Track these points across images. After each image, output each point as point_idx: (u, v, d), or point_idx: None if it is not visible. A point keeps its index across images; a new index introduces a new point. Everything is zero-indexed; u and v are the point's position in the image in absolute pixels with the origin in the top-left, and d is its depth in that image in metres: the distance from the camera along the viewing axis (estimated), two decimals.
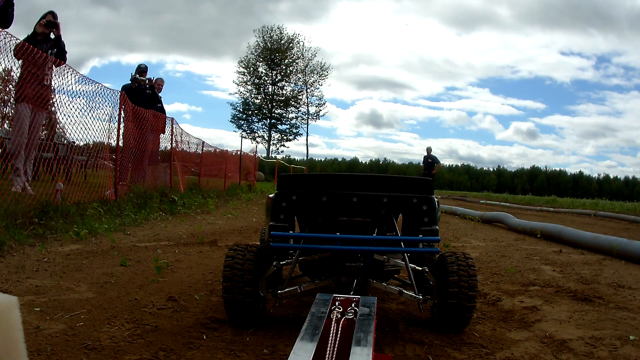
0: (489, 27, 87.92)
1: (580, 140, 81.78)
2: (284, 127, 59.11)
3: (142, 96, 12.09)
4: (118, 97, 9.95)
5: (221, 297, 3.24)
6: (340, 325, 2.10)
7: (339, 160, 73.50)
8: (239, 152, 22.85)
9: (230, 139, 78.07)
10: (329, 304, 2.34)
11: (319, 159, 70.34)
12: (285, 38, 58.40)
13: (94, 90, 9.18)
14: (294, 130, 58.77)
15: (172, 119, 13.48)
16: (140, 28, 75.38)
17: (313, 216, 3.48)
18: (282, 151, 58.26)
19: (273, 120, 58.26)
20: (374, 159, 75.90)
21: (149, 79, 12.46)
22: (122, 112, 10.15)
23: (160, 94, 13.67)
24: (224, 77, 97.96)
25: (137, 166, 12.06)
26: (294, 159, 58.02)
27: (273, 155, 52.18)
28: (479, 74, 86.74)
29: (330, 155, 78.36)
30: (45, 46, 8.29)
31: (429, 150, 23.03)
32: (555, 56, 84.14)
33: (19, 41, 7.04)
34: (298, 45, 58.55)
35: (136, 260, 5.03)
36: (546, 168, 75.58)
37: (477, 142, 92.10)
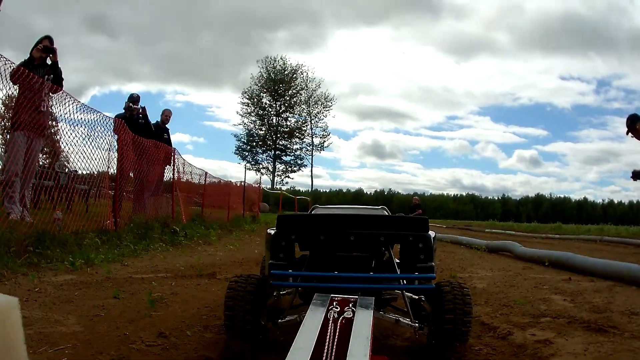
0: (488, 54, 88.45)
1: (583, 166, 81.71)
2: (288, 158, 59.22)
3: (135, 125, 11.96)
4: (113, 125, 9.85)
5: (215, 333, 3.30)
6: (338, 325, 2.14)
7: (344, 191, 73.18)
8: (242, 183, 22.69)
9: (234, 170, 78.73)
10: (326, 304, 2.38)
11: (324, 190, 70.11)
12: (289, 69, 58.70)
13: (93, 118, 9.15)
14: (299, 162, 58.94)
15: (174, 149, 13.33)
16: (139, 57, 77.25)
17: (311, 253, 3.55)
18: (287, 182, 58.33)
19: (277, 152, 58.24)
20: (378, 190, 75.83)
21: (142, 108, 12.36)
22: (122, 140, 10.04)
23: (167, 126, 13.71)
24: (224, 108, 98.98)
25: (138, 196, 11.92)
26: (299, 190, 57.69)
27: (277, 187, 52.07)
28: (479, 102, 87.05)
29: (334, 186, 78.06)
30: (41, 71, 8.12)
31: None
32: (555, 81, 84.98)
33: (14, 66, 6.91)
34: (302, 75, 58.84)
35: (130, 293, 4.83)
36: (551, 195, 75.85)
37: (480, 171, 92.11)
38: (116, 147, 10.16)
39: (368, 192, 75.19)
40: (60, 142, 9.78)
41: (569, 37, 75.58)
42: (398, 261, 3.52)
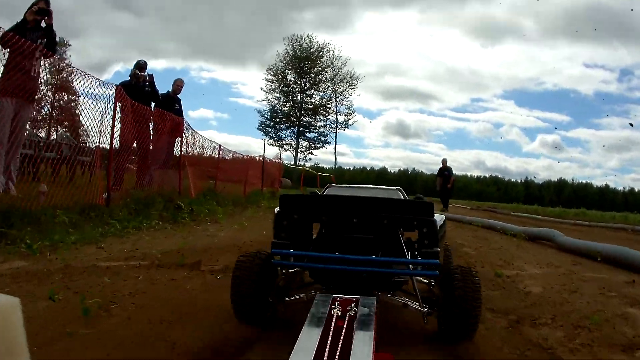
0: (513, 39, 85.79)
1: (604, 153, 79.03)
2: (312, 135, 57.58)
3: (141, 93, 10.87)
4: (113, 91, 8.65)
5: None
6: (340, 325, 2.11)
7: (368, 169, 71.56)
8: (260, 158, 21.43)
9: (257, 147, 77.67)
10: (328, 304, 2.35)
11: (348, 168, 68.23)
12: (315, 46, 56.80)
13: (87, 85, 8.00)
14: (322, 139, 57.34)
15: (184, 121, 12.11)
16: (165, 34, 73.87)
17: (318, 234, 3.53)
18: (310, 159, 56.90)
19: (301, 129, 56.83)
20: (402, 169, 73.51)
21: (149, 75, 11.29)
22: (117, 108, 8.82)
23: (179, 96, 12.58)
24: (250, 85, 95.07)
25: (140, 168, 10.77)
26: (323, 167, 56.25)
27: (301, 163, 50.85)
28: (504, 85, 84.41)
29: (358, 164, 75.61)
30: (35, 35, 7.33)
31: (444, 162, 21.83)
32: (579, 68, 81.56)
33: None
34: (328, 54, 56.91)
35: (74, 291, 3.60)
36: (573, 180, 72.88)
37: (503, 153, 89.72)
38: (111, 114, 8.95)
39: (392, 171, 72.28)
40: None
41: (594, 26, 72.45)
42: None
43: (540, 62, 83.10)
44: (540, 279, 5.22)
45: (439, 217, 3.44)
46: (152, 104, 11.29)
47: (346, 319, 2.17)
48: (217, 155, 15.24)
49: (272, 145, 55.44)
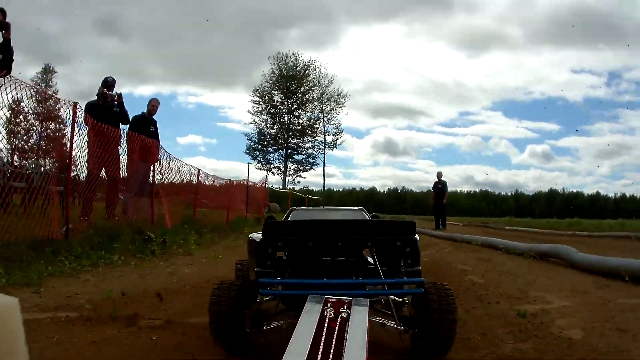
0: (499, 48, 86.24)
1: (594, 160, 79.12)
2: (300, 157, 56.35)
3: (109, 114, 9.91)
4: (70, 110, 7.68)
5: None
6: (333, 327, 2.11)
7: (357, 190, 71.14)
8: (244, 182, 20.38)
9: (252, 172, 75.79)
10: (320, 306, 2.35)
11: (337, 189, 67.89)
12: (301, 65, 55.83)
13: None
14: (311, 160, 56.08)
15: (157, 144, 11.10)
16: (151, 59, 75.88)
17: (298, 258, 3.46)
18: (299, 182, 55.72)
19: (289, 151, 55.77)
20: (392, 188, 73.67)
21: (118, 95, 10.29)
22: (74, 128, 7.84)
23: (154, 117, 11.60)
24: (237, 109, 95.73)
25: (109, 197, 9.73)
26: (312, 189, 55.29)
27: (289, 187, 49.78)
28: (491, 97, 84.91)
29: (347, 185, 75.52)
30: None
31: (439, 175, 20.61)
32: (567, 75, 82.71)
33: None
34: (314, 72, 56.02)
35: None
36: (564, 190, 73.85)
37: (493, 167, 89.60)
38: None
39: (381, 191, 73.52)
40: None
41: (580, 30, 73.00)
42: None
43: (527, 70, 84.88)
44: (573, 314, 4.19)
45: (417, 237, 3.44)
46: (122, 126, 10.32)
47: (338, 321, 2.16)
48: (195, 181, 14.19)
49: (259, 169, 54.31)
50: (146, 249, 8.37)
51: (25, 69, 48.73)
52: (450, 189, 20.36)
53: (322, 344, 1.96)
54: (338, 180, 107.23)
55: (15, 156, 9.34)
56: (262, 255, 3.19)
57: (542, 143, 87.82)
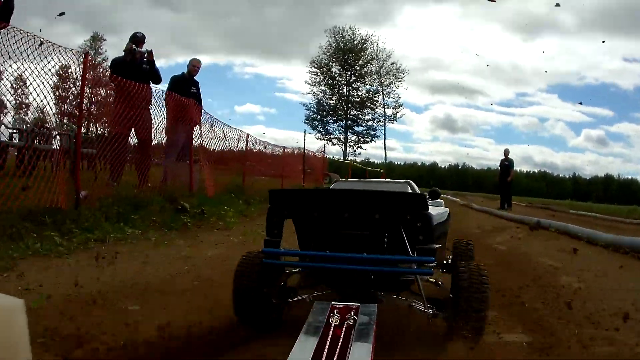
0: (552, 34, 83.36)
1: None
2: (360, 128, 54.73)
3: (137, 72, 8.59)
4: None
5: None
6: (338, 334, 2.04)
7: (419, 164, 68.88)
8: (301, 151, 18.87)
9: (310, 142, 74.78)
10: (326, 312, 2.25)
11: (398, 163, 65.68)
12: (358, 38, 54.07)
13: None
14: (371, 132, 54.46)
15: (195, 104, 9.67)
16: (206, 30, 73.38)
17: (310, 229, 3.26)
18: (360, 153, 54.23)
19: (349, 122, 54.18)
20: (453, 164, 71.08)
21: (148, 52, 8.97)
22: (85, 82, 6.47)
23: (196, 78, 10.34)
24: (295, 80, 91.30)
25: (140, 162, 8.41)
26: (373, 162, 53.54)
27: (350, 158, 48.26)
28: (546, 80, 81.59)
29: (408, 159, 73.41)
30: None
31: (506, 152, 18.77)
32: (619, 63, 79.97)
33: None
34: (372, 46, 54.18)
35: None
36: (619, 176, 71.09)
37: (550, 148, 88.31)
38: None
39: (442, 166, 70.48)
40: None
41: (630, 19, 69.05)
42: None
43: (580, 56, 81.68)
44: None
45: (441, 211, 3.36)
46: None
47: (344, 328, 2.08)
48: (244, 147, 12.76)
49: (319, 139, 53.01)
50: (178, 221, 7.00)
51: (75, 38, 48.36)
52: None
53: (325, 353, 1.89)
54: (398, 153, 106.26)
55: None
56: (269, 224, 3.05)
57: (596, 128, 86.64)
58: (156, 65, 9.06)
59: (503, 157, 18.66)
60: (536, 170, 73.05)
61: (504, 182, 18.17)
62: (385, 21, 80.00)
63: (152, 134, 8.71)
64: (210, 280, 4.02)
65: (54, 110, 6.98)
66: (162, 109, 9.07)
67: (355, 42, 54.09)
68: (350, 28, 54.05)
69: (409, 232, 3.03)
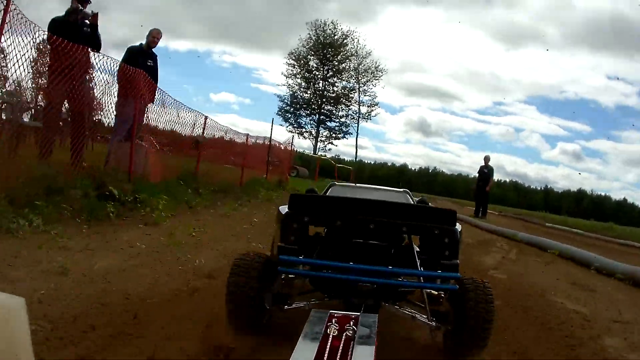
0: (536, 45, 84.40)
1: (623, 166, 77.74)
2: (333, 124, 53.82)
3: (77, 34, 7.37)
4: None
5: None
6: (336, 346, 1.94)
7: (389, 164, 68.34)
8: (266, 141, 17.66)
9: (279, 133, 73.47)
10: (324, 322, 2.13)
11: (369, 162, 65.14)
12: (339, 34, 53.07)
13: None
14: (344, 129, 53.61)
15: (142, 74, 8.48)
16: (188, 15, 70.71)
17: (328, 237, 3.30)
18: (330, 149, 53.16)
19: (322, 117, 53.16)
20: (423, 167, 70.97)
21: (94, 14, 7.76)
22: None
23: (155, 51, 9.37)
24: (272, 72, 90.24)
25: (74, 138, 7.17)
26: (343, 159, 52.76)
27: (320, 153, 47.24)
28: (525, 91, 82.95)
29: (379, 159, 72.73)
30: None
31: (486, 159, 17.86)
32: (602, 80, 79.69)
33: None
34: (352, 42, 53.21)
35: None
36: (592, 192, 72.12)
37: (523, 159, 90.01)
38: None
39: (412, 168, 70.07)
40: None
41: (616, 38, 70.52)
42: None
43: (562, 70, 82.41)
44: None
45: (459, 227, 3.13)
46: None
47: (343, 339, 1.96)
48: (201, 131, 11.59)
49: (290, 132, 51.80)
50: (100, 210, 5.87)
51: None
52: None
53: None
54: (370, 152, 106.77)
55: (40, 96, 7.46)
56: (286, 230, 2.94)
57: (572, 142, 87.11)
58: (98, 31, 7.87)
59: (483, 163, 17.78)
60: (507, 180, 73.56)
61: (481, 190, 17.40)
62: (367, 19, 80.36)
63: (92, 108, 7.55)
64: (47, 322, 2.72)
65: None
66: (113, 82, 8.06)
67: (335, 37, 53.17)
68: (332, 22, 53.11)
69: (429, 246, 3.08)
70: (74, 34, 7.24)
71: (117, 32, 63.25)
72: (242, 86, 77.16)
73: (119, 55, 10.59)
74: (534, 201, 64.08)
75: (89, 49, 7.43)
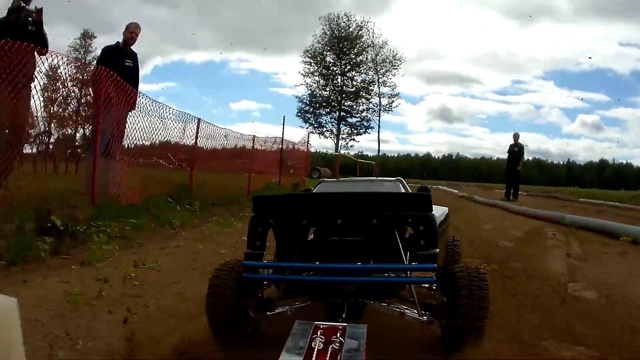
0: (548, 20, 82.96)
1: None
2: (354, 120, 52.44)
3: (22, 34, 6.33)
4: None
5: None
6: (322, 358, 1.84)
7: (412, 156, 67.44)
8: (278, 142, 16.17)
9: (296, 133, 72.52)
10: (308, 334, 1.97)
11: (392, 155, 64.71)
12: (354, 25, 51.59)
13: None
14: (365, 124, 52.19)
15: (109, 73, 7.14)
16: (200, 26, 71.80)
17: (297, 238, 3.03)
18: (352, 146, 51.82)
19: (342, 113, 51.71)
20: (446, 154, 70.33)
21: (37, 10, 6.75)
22: None
23: (133, 48, 8.26)
24: (290, 74, 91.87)
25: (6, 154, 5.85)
26: (367, 154, 51.36)
27: (341, 151, 45.79)
28: (542, 66, 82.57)
29: (402, 151, 72.01)
30: None
31: (515, 137, 16.29)
32: (615, 47, 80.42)
33: None
34: (367, 33, 51.65)
35: None
36: (613, 161, 70.28)
37: (545, 135, 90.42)
38: None
39: (436, 157, 69.69)
40: None
41: (625, 3, 68.38)
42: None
43: (576, 42, 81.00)
44: None
45: (440, 211, 3.04)
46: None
47: (329, 353, 1.83)
48: (194, 137, 10.17)
49: (312, 132, 50.57)
50: (30, 249, 4.48)
51: (69, 38, 46.42)
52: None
53: None
54: (393, 145, 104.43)
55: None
56: (252, 235, 2.79)
57: (592, 113, 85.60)
58: (44, 29, 6.64)
59: (512, 142, 16.22)
60: (530, 158, 71.80)
61: (512, 170, 15.86)
62: (381, 10, 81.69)
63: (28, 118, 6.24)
64: None
65: None
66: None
67: (350, 30, 51.84)
68: (345, 15, 51.81)
69: (406, 236, 2.91)
70: (18, 33, 6.18)
71: (135, 49, 64.24)
72: (261, 92, 77.18)
73: None
74: (557, 176, 63.51)
75: (34, 50, 6.17)
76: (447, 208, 4.24)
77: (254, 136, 13.16)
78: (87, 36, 43.59)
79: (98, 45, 42.59)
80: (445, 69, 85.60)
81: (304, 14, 69.15)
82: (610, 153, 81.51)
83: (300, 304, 2.71)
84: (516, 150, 15.93)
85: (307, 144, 19.82)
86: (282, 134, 16.41)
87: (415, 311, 2.60)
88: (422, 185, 4.57)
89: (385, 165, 49.06)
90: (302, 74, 52.75)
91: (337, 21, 51.58)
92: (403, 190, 4.00)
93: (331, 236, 2.93)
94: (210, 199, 9.88)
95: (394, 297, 2.83)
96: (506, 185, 16.38)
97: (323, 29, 51.78)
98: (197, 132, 10.09)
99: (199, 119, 10.19)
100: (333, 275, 2.56)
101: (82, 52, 42.41)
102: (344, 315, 2.51)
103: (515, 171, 15.79)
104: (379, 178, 4.95)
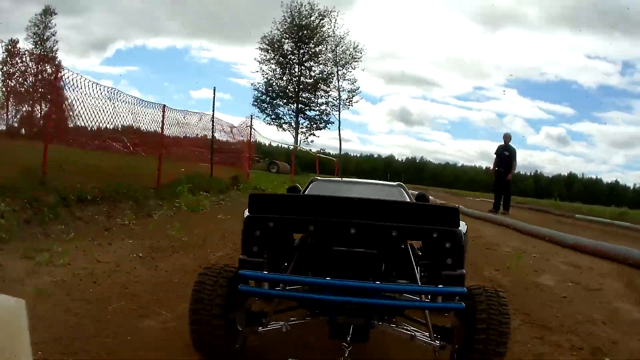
0: (516, 27, 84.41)
1: (609, 148, 78.69)
2: (312, 113, 49.11)
3: None
4: None
5: None
6: None
7: (375, 156, 67.69)
8: (207, 124, 12.63)
9: (260, 127, 70.52)
10: None
11: (354, 155, 64.55)
12: (316, 14, 48.44)
13: None
14: (324, 118, 49.02)
15: None
16: (167, 13, 69.78)
17: (293, 244, 2.82)
18: (312, 141, 48.68)
19: (300, 105, 48.62)
20: (410, 157, 70.31)
21: None
22: None
23: None
24: (250, 65, 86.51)
25: None
26: (329, 152, 49.08)
27: (298, 145, 42.83)
28: (506, 74, 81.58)
29: (364, 151, 72.42)
30: None
31: (506, 138, 13.13)
32: (582, 60, 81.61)
33: None
34: (330, 23, 48.62)
35: None
36: (583, 175, 72.63)
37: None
38: None
39: (399, 159, 69.60)
40: None
41: (596, 16, 70.73)
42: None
43: (543, 51, 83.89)
44: None
45: (462, 227, 2.62)
46: None
47: None
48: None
49: (269, 124, 48.11)
50: None
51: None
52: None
53: None
54: (354, 145, 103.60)
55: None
56: (247, 239, 2.47)
57: (556, 125, 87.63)
58: None
59: (502, 143, 13.13)
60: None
61: (502, 177, 12.84)
62: (344, 7, 77.85)
63: None
64: None
65: None
66: None
67: (312, 18, 48.67)
68: (309, 3, 48.59)
69: (429, 252, 2.70)
70: None
71: (98, 32, 65.79)
72: (221, 81, 74.64)
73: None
74: (525, 187, 62.84)
75: None
76: (465, 223, 2.99)
77: (164, 105, 9.59)
78: (47, 12, 41.46)
79: (58, 23, 42.07)
80: (405, 70, 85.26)
81: (267, 5, 67.45)
82: (576, 167, 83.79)
83: (297, 320, 2.45)
84: (506, 154, 12.80)
85: (250, 127, 16.22)
86: (212, 111, 12.94)
87: (427, 334, 2.41)
88: (420, 193, 4.25)
89: (348, 163, 46.71)
90: (258, 61, 49.43)
91: (299, 9, 48.60)
92: (408, 199, 3.74)
93: (337, 245, 2.52)
94: (86, 192, 6.62)
95: (398, 316, 2.58)
96: (494, 195, 13.57)
97: (284, 15, 48.68)
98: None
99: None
100: (344, 294, 2.21)
101: (41, 28, 41.03)
102: (348, 338, 2.24)
103: (505, 180, 12.81)
104: (378, 182, 4.58)
